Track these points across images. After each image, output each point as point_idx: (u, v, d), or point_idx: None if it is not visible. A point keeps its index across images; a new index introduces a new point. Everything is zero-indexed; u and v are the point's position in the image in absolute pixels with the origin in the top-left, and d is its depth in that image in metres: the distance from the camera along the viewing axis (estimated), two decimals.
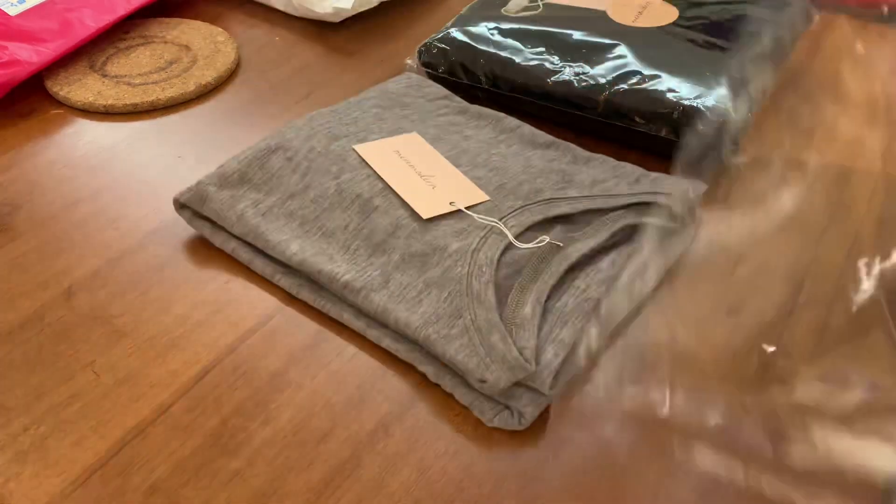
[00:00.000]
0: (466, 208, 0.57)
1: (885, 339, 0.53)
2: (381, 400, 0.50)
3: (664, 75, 0.69)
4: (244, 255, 0.58)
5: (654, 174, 0.62)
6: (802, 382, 0.51)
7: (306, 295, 0.56)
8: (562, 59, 0.72)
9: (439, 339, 0.49)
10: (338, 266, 0.55)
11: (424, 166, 0.61)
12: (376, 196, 0.58)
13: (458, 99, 0.71)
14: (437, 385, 0.50)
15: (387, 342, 0.52)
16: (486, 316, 0.49)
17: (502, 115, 0.68)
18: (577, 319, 0.51)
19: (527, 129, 0.67)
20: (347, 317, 0.54)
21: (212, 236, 0.60)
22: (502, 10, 0.80)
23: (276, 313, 0.55)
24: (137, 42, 0.83)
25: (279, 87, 0.79)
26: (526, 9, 0.80)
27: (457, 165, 0.62)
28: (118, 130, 0.72)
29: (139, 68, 0.79)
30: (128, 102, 0.74)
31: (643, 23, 0.78)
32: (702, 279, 0.59)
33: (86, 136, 0.72)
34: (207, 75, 0.78)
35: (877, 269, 0.58)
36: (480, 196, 0.58)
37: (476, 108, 0.70)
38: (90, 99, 0.74)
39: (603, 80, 0.69)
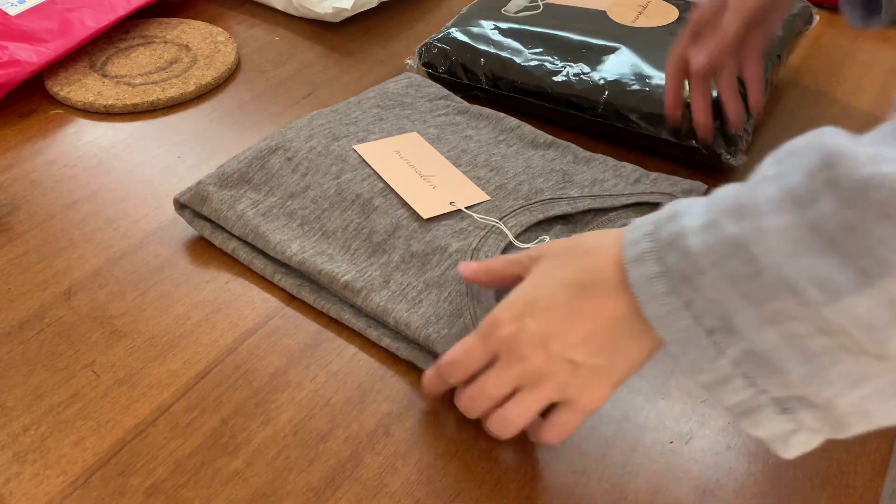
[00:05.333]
0: (466, 208, 0.57)
1: None
2: (381, 400, 0.50)
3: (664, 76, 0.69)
4: (244, 255, 0.58)
5: (653, 174, 0.62)
6: None
7: (306, 295, 0.56)
8: (562, 59, 0.72)
9: (439, 339, 0.49)
10: (338, 266, 0.55)
11: (424, 166, 0.61)
12: (376, 196, 0.58)
13: (458, 99, 0.72)
14: None
15: (387, 342, 0.52)
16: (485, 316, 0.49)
17: (502, 115, 0.68)
18: None
19: (527, 129, 0.67)
20: (347, 317, 0.54)
21: (212, 236, 0.60)
22: (502, 10, 0.80)
23: (276, 313, 0.55)
24: (137, 42, 0.83)
25: (279, 87, 0.79)
26: (526, 9, 0.80)
27: (457, 165, 0.62)
28: (118, 130, 0.72)
29: (139, 68, 0.79)
30: (128, 102, 0.74)
31: (643, 23, 0.78)
32: None
33: (86, 136, 0.72)
34: (207, 75, 0.78)
35: None
36: (481, 196, 0.59)
37: (476, 108, 0.70)
38: (90, 99, 0.74)
39: (603, 81, 0.69)
